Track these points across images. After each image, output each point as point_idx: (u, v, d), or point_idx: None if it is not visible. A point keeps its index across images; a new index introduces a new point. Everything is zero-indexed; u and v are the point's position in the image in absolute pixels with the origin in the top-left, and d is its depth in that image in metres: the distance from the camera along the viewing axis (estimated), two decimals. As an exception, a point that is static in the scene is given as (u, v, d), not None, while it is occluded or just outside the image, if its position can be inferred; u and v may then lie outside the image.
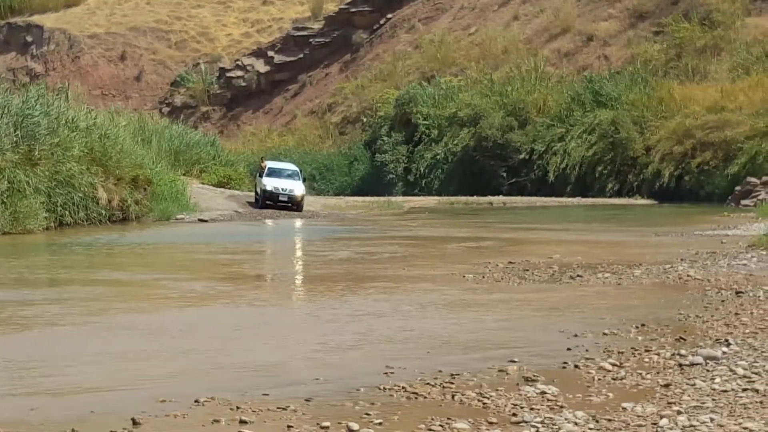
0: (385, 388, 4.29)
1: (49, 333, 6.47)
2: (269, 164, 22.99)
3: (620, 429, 3.65)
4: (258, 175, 22.54)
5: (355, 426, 3.48)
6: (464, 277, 9.65)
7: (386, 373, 4.67)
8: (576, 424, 3.62)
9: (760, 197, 20.80)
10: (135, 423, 3.50)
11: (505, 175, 29.43)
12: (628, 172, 27.36)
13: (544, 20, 36.20)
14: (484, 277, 9.62)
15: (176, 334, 6.46)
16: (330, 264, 12.63)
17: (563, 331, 6.23)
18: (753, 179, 22.81)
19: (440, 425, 3.57)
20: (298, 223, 20.18)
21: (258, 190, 22.01)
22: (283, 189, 21.05)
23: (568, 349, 5.48)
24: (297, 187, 21.40)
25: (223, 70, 42.39)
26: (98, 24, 45.23)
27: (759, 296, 7.75)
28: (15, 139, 15.33)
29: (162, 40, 44.56)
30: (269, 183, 21.25)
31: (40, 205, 14.91)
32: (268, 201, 21.05)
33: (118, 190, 17.33)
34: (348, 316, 7.38)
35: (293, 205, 21.07)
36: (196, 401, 3.94)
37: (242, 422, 3.59)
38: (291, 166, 23.73)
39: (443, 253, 13.90)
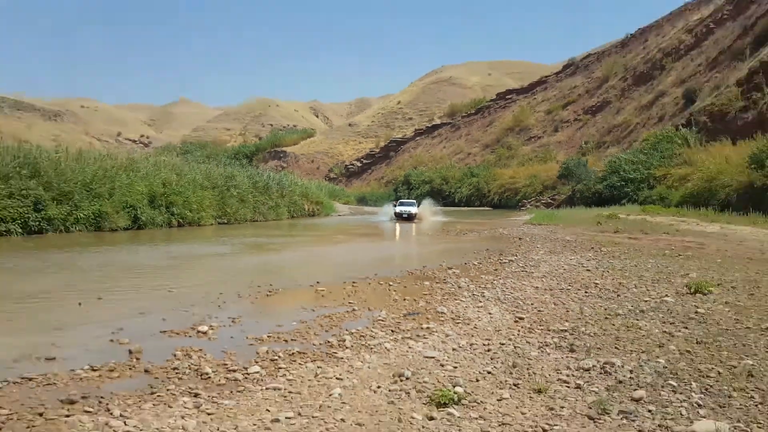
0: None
1: (273, 253, 16.18)
2: (400, 201, 39.51)
3: (483, 285, 9.64)
4: (393, 206, 38.22)
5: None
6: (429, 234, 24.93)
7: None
8: (464, 283, 9.89)
9: (527, 207, 49.46)
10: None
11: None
12: (483, 197, 61.83)
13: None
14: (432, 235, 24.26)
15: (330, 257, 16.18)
16: (382, 226, 31.11)
17: (473, 252, 15.48)
18: (525, 200, 52.79)
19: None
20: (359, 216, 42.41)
21: (392, 212, 36.14)
22: (403, 211, 34.65)
23: (465, 261, 13.25)
24: (413, 209, 35.14)
25: (346, 166, 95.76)
26: (303, 151, 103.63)
27: (525, 238, 19.17)
28: (276, 186, 36.76)
29: (328, 157, 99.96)
30: (399, 209, 35.16)
31: (286, 209, 35.79)
32: (398, 216, 34.45)
33: (310, 205, 39.67)
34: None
35: (410, 218, 34.02)
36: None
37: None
38: (410, 201, 39.81)
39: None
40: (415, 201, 40.01)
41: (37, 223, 19.75)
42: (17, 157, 21.13)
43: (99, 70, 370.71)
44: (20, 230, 19.16)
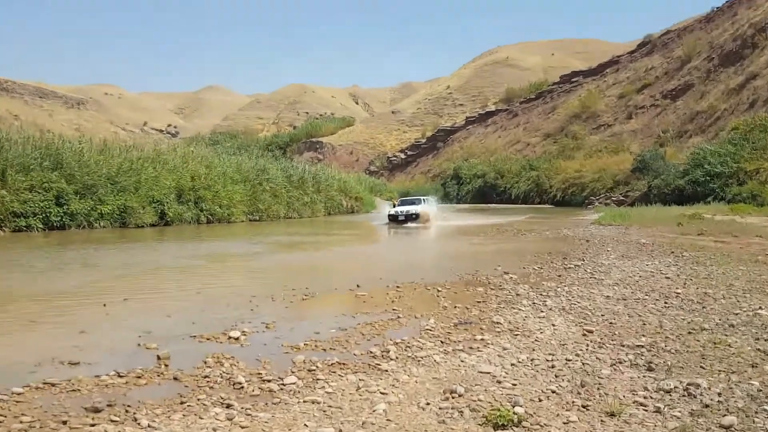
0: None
1: (309, 253, 16.46)
2: (401, 200, 34.68)
3: (545, 292, 9.54)
4: (392, 205, 33.37)
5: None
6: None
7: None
8: (523, 290, 9.78)
9: (595, 205, 48.63)
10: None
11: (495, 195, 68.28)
12: (543, 193, 61.48)
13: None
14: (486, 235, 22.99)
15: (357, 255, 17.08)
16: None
17: (532, 255, 14.97)
18: (593, 197, 51.88)
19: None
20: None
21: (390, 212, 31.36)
22: (399, 213, 29.67)
23: (523, 265, 13.02)
24: (416, 208, 30.14)
25: (388, 158, 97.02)
26: (341, 141, 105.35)
27: (593, 240, 18.73)
28: (312, 180, 39.64)
29: (368, 147, 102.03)
30: (394, 209, 30.61)
31: (322, 205, 38.35)
32: (391, 219, 29.92)
33: (349, 201, 43.33)
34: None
35: (407, 220, 29.02)
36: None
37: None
38: (414, 198, 34.65)
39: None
40: (422, 198, 34.05)
41: (59, 218, 20.64)
42: (39, 148, 22.08)
43: (123, 56, 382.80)
44: (41, 225, 20.06)
